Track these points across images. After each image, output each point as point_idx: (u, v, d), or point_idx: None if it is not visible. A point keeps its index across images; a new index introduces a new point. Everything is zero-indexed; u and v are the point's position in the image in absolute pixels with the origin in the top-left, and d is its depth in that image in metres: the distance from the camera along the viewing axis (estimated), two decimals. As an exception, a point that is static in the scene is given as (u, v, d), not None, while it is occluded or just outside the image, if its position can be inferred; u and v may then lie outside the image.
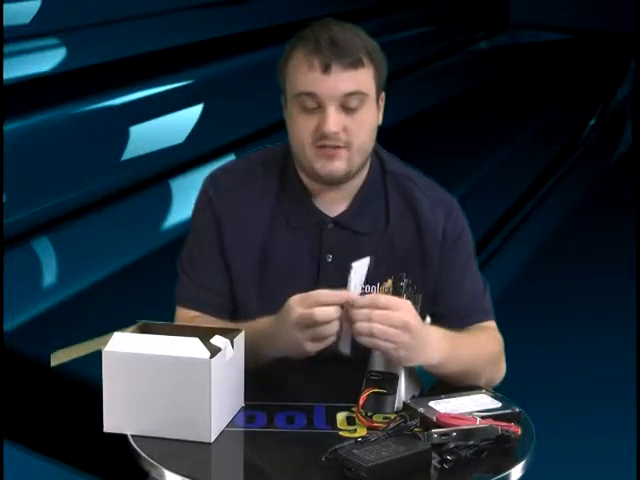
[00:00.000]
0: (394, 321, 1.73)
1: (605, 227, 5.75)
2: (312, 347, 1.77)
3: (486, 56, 11.32)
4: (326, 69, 1.85)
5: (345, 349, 1.77)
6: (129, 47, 6.96)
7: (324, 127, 1.86)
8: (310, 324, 1.74)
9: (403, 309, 1.75)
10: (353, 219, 1.97)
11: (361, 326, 1.73)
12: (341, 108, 1.87)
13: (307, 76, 1.87)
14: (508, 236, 5.47)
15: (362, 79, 1.88)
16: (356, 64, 1.87)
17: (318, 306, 1.73)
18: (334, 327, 1.74)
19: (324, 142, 1.87)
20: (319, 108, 1.87)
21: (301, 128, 1.89)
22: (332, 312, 1.74)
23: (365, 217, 1.98)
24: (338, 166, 1.89)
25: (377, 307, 1.73)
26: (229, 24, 8.06)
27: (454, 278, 1.98)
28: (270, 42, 7.97)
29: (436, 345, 1.80)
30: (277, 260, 1.96)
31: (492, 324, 2.02)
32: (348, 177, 1.93)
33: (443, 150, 6.87)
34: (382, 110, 1.96)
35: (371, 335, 1.73)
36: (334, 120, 1.86)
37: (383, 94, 1.96)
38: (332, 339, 1.76)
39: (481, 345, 1.94)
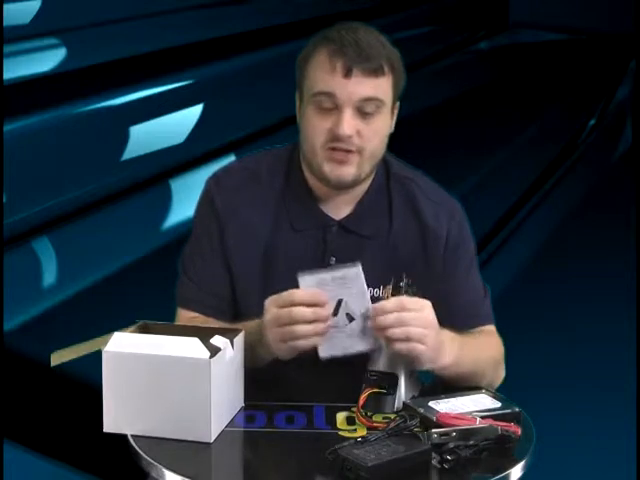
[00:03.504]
0: (425, 322, 1.74)
1: (605, 227, 5.75)
2: (282, 349, 1.77)
3: (486, 56, 11.32)
4: (348, 73, 1.85)
5: (324, 353, 1.77)
6: (129, 47, 6.96)
7: (338, 129, 1.86)
8: (283, 324, 1.74)
9: (428, 309, 1.76)
10: (358, 223, 1.97)
11: (395, 332, 1.73)
12: (357, 112, 1.87)
13: (328, 78, 1.87)
14: (508, 236, 5.47)
15: (381, 87, 1.88)
16: (377, 71, 1.87)
17: (292, 306, 1.74)
18: (306, 329, 1.74)
19: (336, 144, 1.87)
20: (335, 109, 1.87)
21: (315, 128, 1.89)
22: (308, 312, 1.73)
23: (369, 220, 1.98)
24: (347, 171, 1.89)
25: (405, 309, 1.74)
26: (229, 24, 8.06)
27: (456, 282, 1.98)
28: (270, 42, 8.00)
29: (448, 346, 1.81)
30: (280, 262, 1.96)
31: (492, 328, 2.03)
32: (356, 183, 1.93)
33: (443, 150, 6.87)
34: (395, 119, 1.96)
35: (408, 339, 1.73)
36: (349, 123, 1.86)
37: (398, 103, 1.96)
38: (303, 344, 1.75)
39: (484, 349, 1.95)
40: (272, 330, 1.76)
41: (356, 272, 1.77)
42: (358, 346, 1.77)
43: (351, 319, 1.77)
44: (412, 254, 1.97)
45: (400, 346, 1.74)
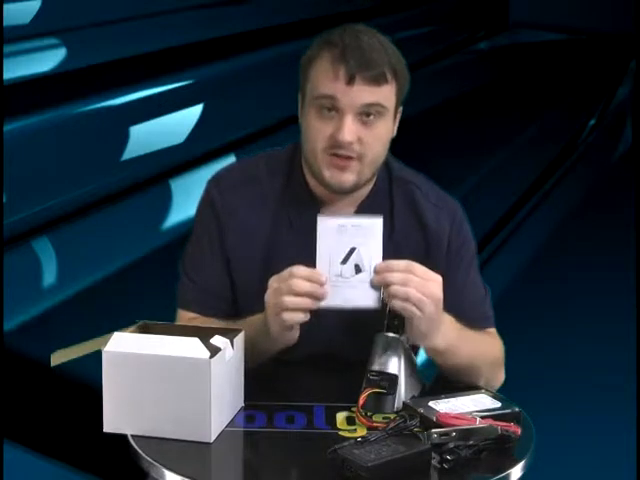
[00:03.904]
0: (428, 291, 1.75)
1: (605, 227, 5.76)
2: (277, 325, 1.77)
3: (486, 56, 11.32)
4: (350, 80, 1.85)
5: (323, 302, 1.76)
6: (129, 47, 6.96)
7: (339, 135, 1.85)
8: (281, 294, 1.75)
9: (435, 281, 1.77)
10: None
11: (397, 289, 1.75)
12: (358, 118, 1.86)
13: (330, 84, 1.86)
14: (508, 236, 5.48)
15: (384, 93, 1.88)
16: (379, 79, 1.86)
17: (293, 278, 1.75)
18: (302, 302, 1.75)
19: (337, 151, 1.87)
20: (336, 114, 1.86)
21: (316, 132, 1.88)
22: (306, 285, 1.75)
23: None
24: (347, 178, 1.89)
25: (412, 273, 1.75)
26: (229, 24, 8.06)
27: (456, 284, 1.98)
28: (270, 42, 8.00)
29: (446, 329, 1.82)
30: (280, 263, 1.95)
31: (493, 330, 2.03)
32: (356, 188, 1.93)
33: (443, 150, 6.87)
34: (398, 123, 1.96)
35: (406, 299, 1.74)
36: (350, 129, 1.85)
37: (400, 108, 1.96)
38: (298, 317, 1.76)
39: (484, 345, 1.95)
40: (270, 303, 1.77)
41: (376, 224, 1.78)
42: (359, 300, 1.78)
43: (358, 271, 1.77)
44: (414, 257, 1.95)
45: (397, 304, 1.76)
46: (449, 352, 1.84)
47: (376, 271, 1.77)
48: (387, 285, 1.76)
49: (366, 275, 1.78)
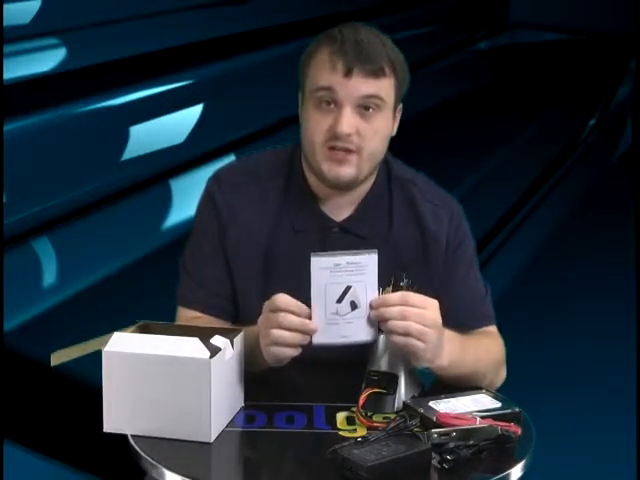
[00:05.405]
0: (428, 320, 1.74)
1: (605, 227, 5.75)
2: (267, 353, 1.76)
3: (486, 56, 11.33)
4: (348, 73, 1.85)
5: (318, 340, 1.75)
6: (129, 47, 6.96)
7: (337, 127, 1.85)
8: (270, 327, 1.74)
9: (433, 307, 1.76)
10: (358, 224, 1.97)
11: (396, 324, 1.73)
12: (357, 111, 1.87)
13: (328, 76, 1.87)
14: (508, 236, 5.47)
15: (382, 86, 1.88)
16: (377, 72, 1.87)
17: (279, 311, 1.73)
18: (286, 335, 1.73)
19: (335, 143, 1.87)
20: (335, 107, 1.87)
21: (315, 125, 1.88)
22: (295, 320, 1.73)
23: (369, 222, 1.97)
24: (346, 171, 1.89)
25: (409, 304, 1.73)
26: (229, 24, 8.07)
27: (456, 283, 1.98)
28: (270, 42, 8.01)
29: (448, 348, 1.80)
30: (281, 262, 1.95)
31: (493, 329, 2.03)
32: (355, 183, 1.93)
33: (443, 150, 6.87)
34: (398, 122, 1.96)
35: (407, 334, 1.73)
36: (348, 121, 1.85)
37: (401, 106, 1.95)
38: (289, 352, 1.75)
39: (486, 349, 1.94)
40: (261, 332, 1.77)
41: (372, 260, 1.76)
42: (356, 336, 1.76)
43: (354, 307, 1.77)
44: (412, 256, 1.96)
45: (398, 339, 1.74)
46: (453, 367, 1.83)
47: (372, 307, 1.75)
48: (385, 320, 1.74)
49: (362, 311, 1.76)
